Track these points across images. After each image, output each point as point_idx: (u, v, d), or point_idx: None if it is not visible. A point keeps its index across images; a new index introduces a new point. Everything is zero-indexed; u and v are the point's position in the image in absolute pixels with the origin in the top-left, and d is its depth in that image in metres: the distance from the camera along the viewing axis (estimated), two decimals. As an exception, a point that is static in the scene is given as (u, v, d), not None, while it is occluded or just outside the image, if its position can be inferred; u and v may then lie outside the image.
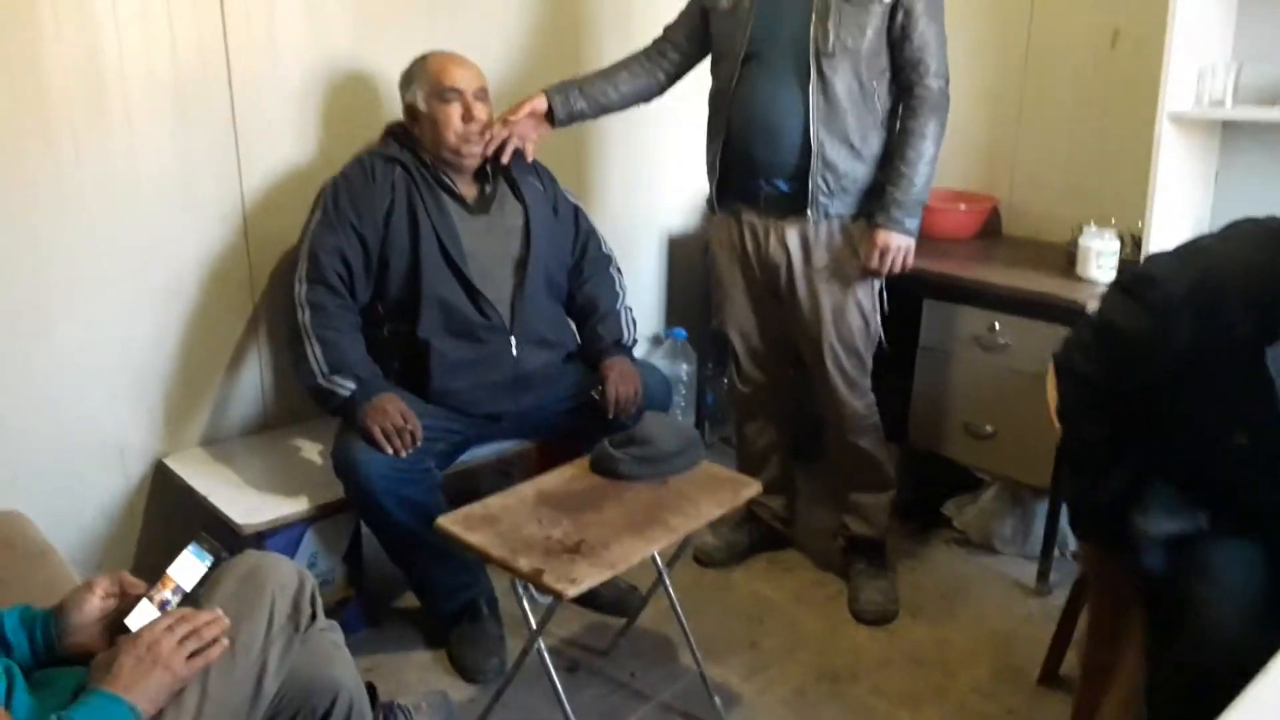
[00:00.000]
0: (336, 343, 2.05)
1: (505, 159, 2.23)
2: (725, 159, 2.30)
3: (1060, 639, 2.06)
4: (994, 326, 2.51)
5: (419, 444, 2.01)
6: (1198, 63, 2.38)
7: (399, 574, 2.21)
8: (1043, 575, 2.53)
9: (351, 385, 2.02)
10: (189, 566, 1.31)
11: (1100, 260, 2.46)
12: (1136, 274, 1.56)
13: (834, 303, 2.30)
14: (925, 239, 2.96)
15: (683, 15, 2.40)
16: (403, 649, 2.24)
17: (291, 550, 2.06)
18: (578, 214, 2.41)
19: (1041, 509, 2.60)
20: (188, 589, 1.30)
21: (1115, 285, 1.60)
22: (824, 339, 2.33)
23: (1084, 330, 1.63)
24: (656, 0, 2.95)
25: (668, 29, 2.42)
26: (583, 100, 2.34)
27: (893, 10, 2.12)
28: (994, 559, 2.67)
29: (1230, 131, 2.57)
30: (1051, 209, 2.93)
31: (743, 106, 2.22)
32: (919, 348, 2.69)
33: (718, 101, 2.30)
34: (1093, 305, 2.32)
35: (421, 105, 2.16)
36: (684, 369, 3.23)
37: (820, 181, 2.20)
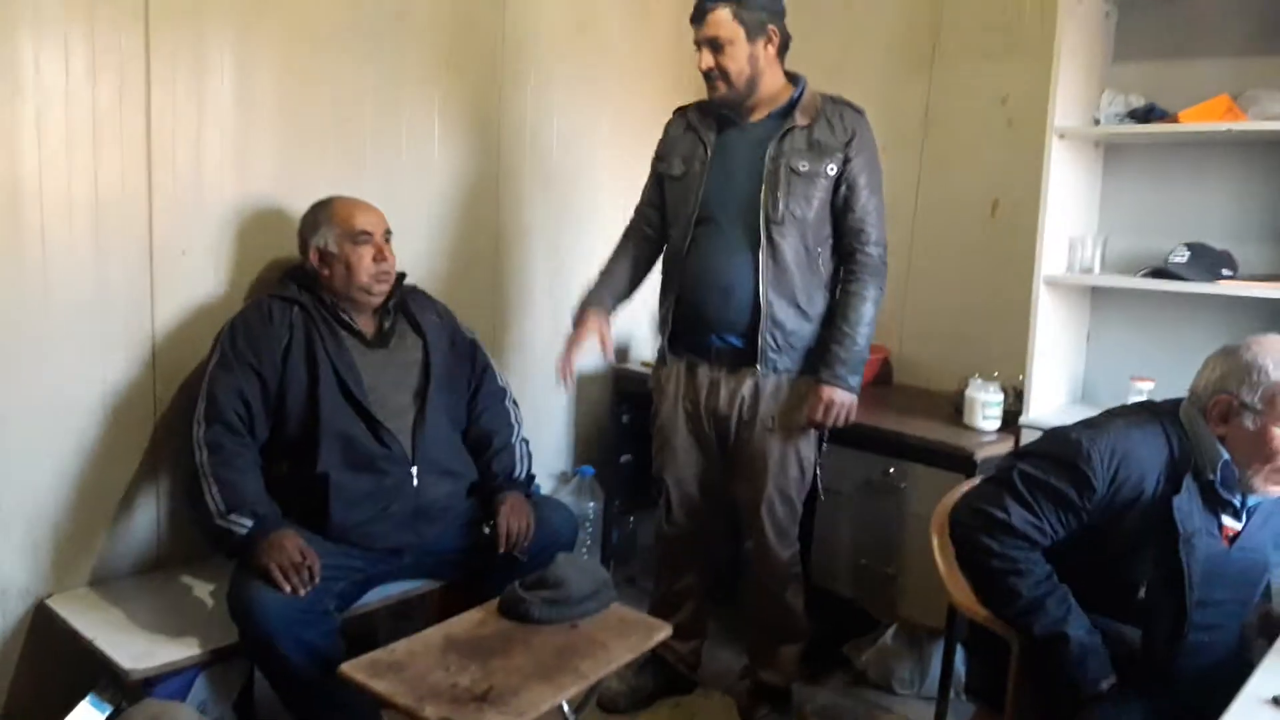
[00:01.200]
0: (234, 482, 2.02)
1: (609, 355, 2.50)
2: (678, 314, 2.42)
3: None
4: (889, 471, 2.62)
5: (317, 581, 1.96)
6: (1068, 233, 2.62)
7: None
8: (939, 717, 2.57)
9: (249, 523, 1.98)
10: (85, 718, 1.25)
11: (985, 410, 2.62)
12: (1065, 444, 1.67)
13: (778, 453, 2.37)
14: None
15: (647, 183, 2.56)
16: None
17: (181, 698, 1.96)
18: (475, 347, 2.47)
19: (938, 650, 2.66)
20: None
21: (1044, 456, 1.71)
22: (765, 488, 2.39)
23: (1002, 494, 1.71)
24: (570, 150, 3.12)
25: (641, 199, 2.57)
26: (611, 296, 2.50)
27: (837, 183, 2.28)
28: (893, 700, 2.70)
29: (1099, 295, 2.80)
30: (938, 361, 3.11)
31: (696, 267, 2.36)
32: (819, 490, 2.77)
33: (672, 262, 2.44)
34: (982, 454, 2.48)
35: (334, 249, 2.20)
36: (591, 506, 3.24)
37: (769, 339, 2.31)
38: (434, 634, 1.85)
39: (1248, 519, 1.67)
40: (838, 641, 2.87)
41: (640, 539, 3.31)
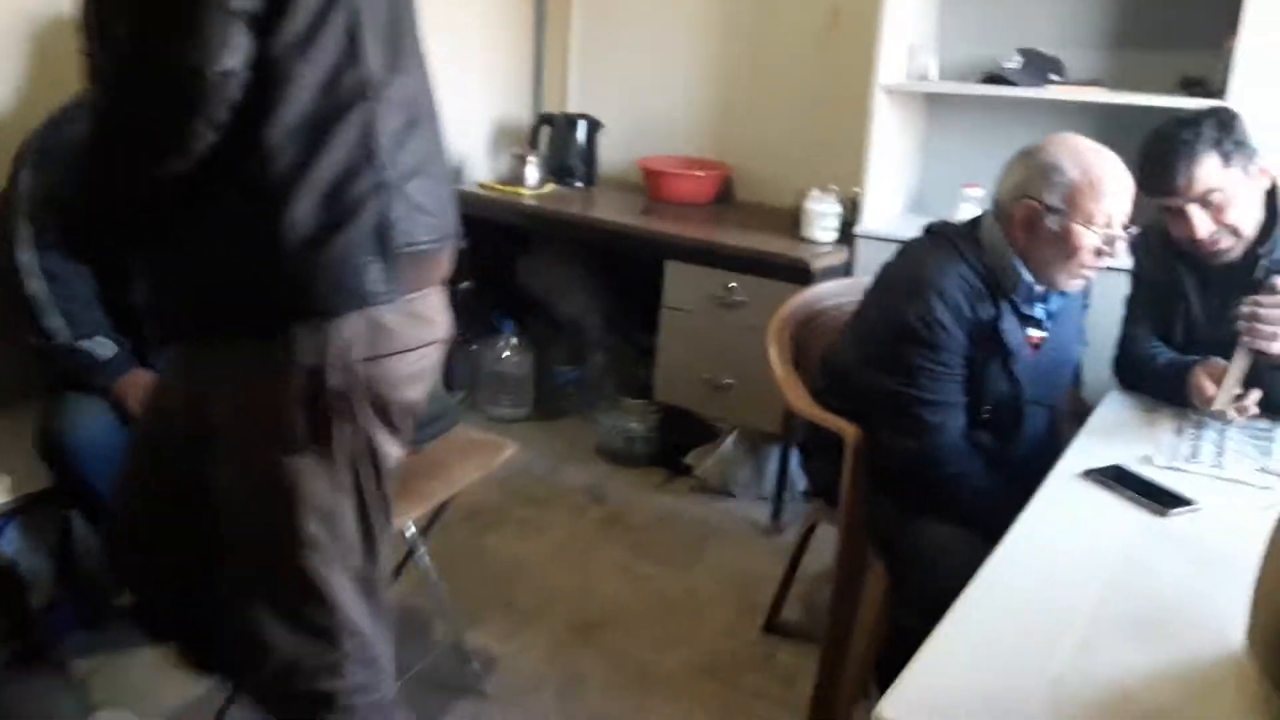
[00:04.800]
0: (80, 316, 1.86)
1: None
2: None
3: (789, 577, 2.21)
4: (730, 285, 2.64)
5: None
6: (907, 41, 2.60)
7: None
8: (776, 515, 2.72)
9: (112, 347, 1.85)
10: None
11: (822, 222, 2.65)
12: (909, 328, 1.63)
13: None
14: (666, 203, 3.09)
15: None
16: (126, 650, 2.03)
17: (-11, 547, 1.84)
18: None
19: (774, 453, 2.78)
20: None
21: (902, 351, 1.65)
22: None
23: (909, 415, 1.66)
24: None
25: None
26: None
27: None
28: (733, 503, 2.83)
29: (935, 103, 2.83)
30: (779, 175, 3.11)
31: None
32: (662, 308, 2.79)
33: None
34: (818, 264, 2.52)
35: None
36: (430, 334, 3.17)
37: None
38: (266, 464, 1.77)
39: (1052, 323, 1.76)
40: (681, 452, 2.96)
41: (483, 365, 3.27)
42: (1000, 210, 1.69)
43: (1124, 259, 1.79)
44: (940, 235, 1.76)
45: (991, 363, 1.66)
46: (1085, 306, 1.89)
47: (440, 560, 2.17)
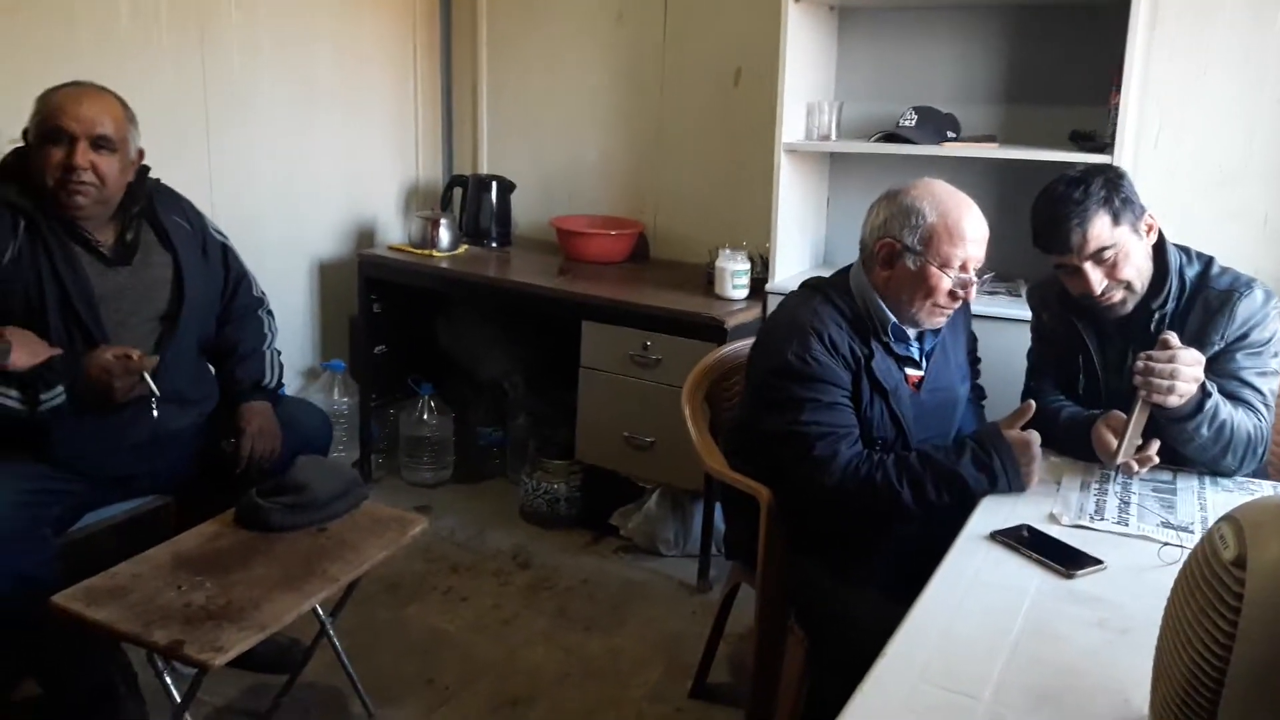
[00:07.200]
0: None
1: None
2: None
3: (714, 639, 2.18)
4: (647, 344, 2.64)
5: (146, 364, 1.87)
6: (806, 99, 2.65)
7: (11, 660, 1.91)
8: (703, 573, 2.70)
9: (60, 388, 1.80)
10: None
11: (735, 279, 2.67)
12: (788, 367, 1.66)
13: None
14: (581, 262, 3.09)
15: None
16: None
17: None
18: (227, 254, 2.21)
19: (699, 510, 2.76)
20: None
21: (784, 389, 1.67)
22: None
23: (801, 450, 1.64)
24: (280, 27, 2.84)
25: None
26: None
27: None
28: (659, 562, 2.80)
29: (836, 161, 2.88)
30: (691, 233, 3.14)
31: None
32: (580, 368, 2.77)
33: None
34: (732, 322, 2.53)
35: (32, 139, 1.88)
36: (345, 402, 3.10)
37: None
38: (161, 552, 1.70)
39: (928, 363, 1.80)
40: (606, 512, 2.93)
41: (402, 430, 3.21)
42: (864, 249, 1.75)
43: (1023, 310, 1.82)
44: (812, 286, 1.83)
45: (874, 404, 1.70)
46: (974, 352, 1.94)
47: (359, 637, 2.10)
